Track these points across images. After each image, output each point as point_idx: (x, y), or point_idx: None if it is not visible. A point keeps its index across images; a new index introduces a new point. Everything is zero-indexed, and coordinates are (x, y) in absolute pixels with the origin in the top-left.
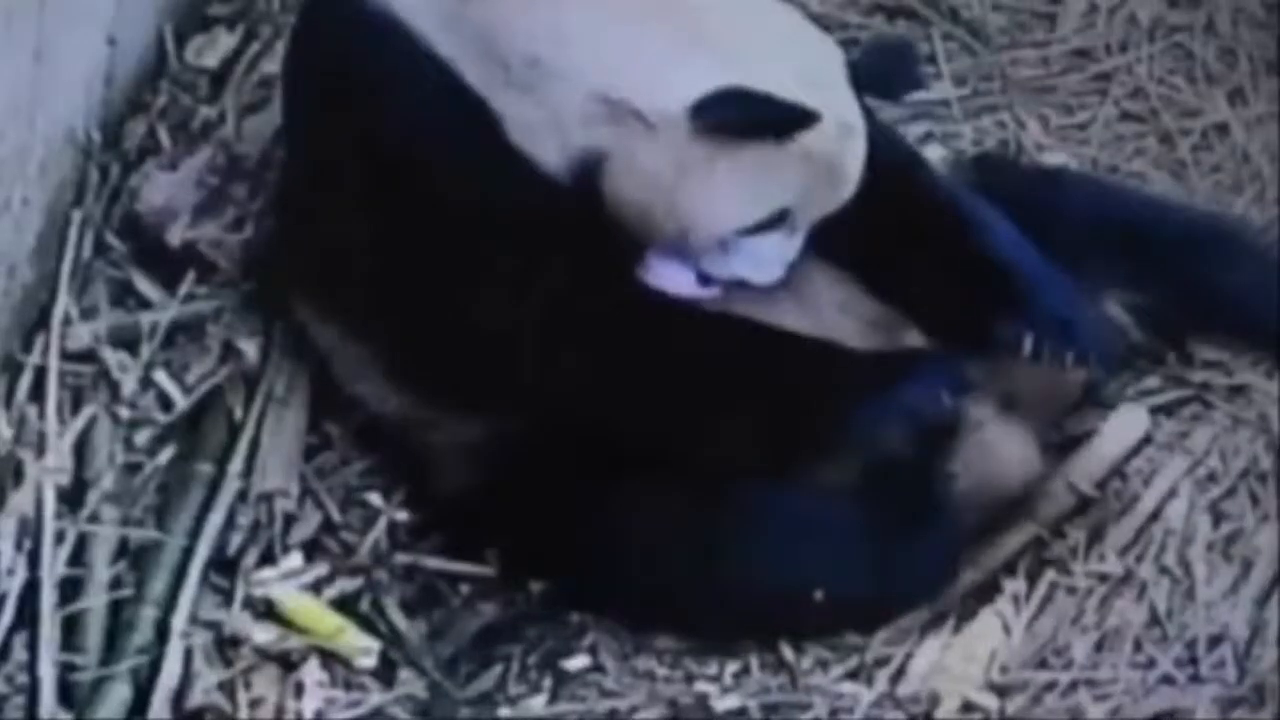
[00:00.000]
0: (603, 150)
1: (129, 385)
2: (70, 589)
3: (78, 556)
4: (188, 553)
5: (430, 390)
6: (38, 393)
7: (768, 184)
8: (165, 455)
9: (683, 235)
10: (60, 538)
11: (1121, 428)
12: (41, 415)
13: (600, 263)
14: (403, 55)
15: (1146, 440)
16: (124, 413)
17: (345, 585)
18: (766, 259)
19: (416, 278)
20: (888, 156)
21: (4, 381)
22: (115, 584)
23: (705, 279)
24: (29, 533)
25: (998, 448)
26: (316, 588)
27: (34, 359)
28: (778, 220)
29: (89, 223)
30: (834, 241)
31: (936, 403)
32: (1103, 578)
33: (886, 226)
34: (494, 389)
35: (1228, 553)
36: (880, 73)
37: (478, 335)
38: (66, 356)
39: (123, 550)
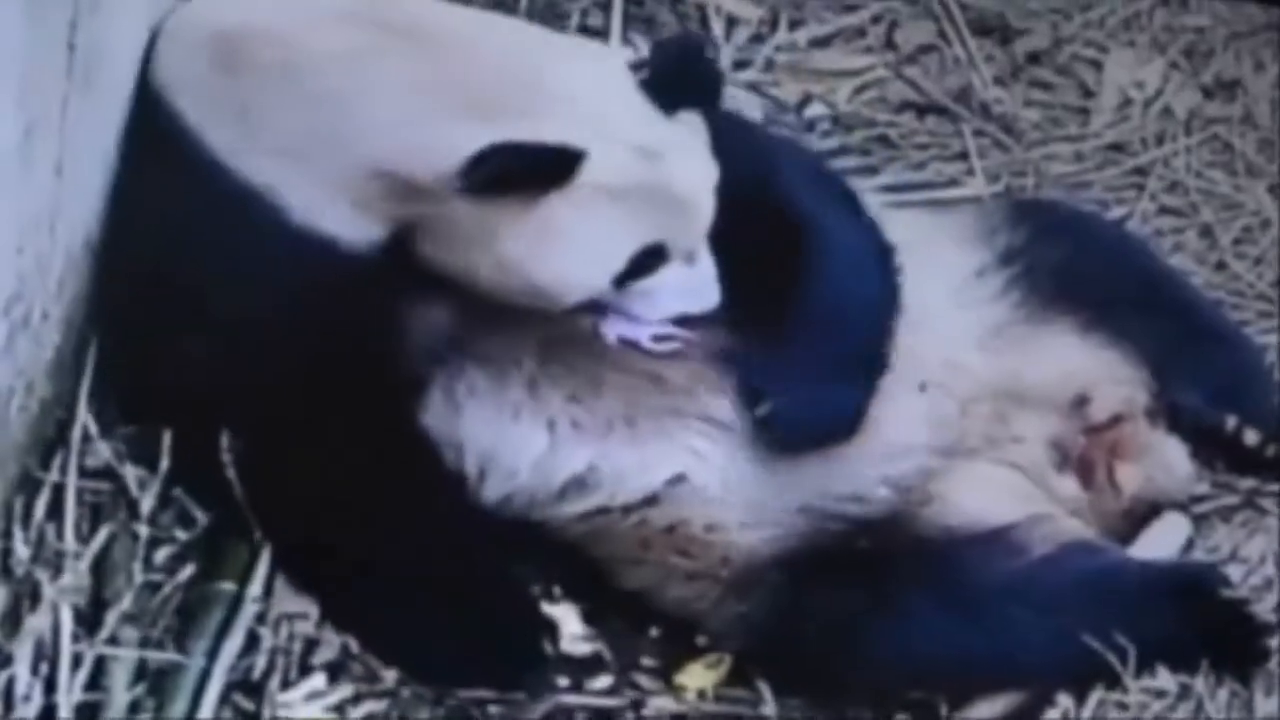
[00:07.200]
0: (409, 220)
1: (148, 502)
2: (88, 714)
3: (96, 680)
4: (206, 674)
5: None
6: (56, 511)
7: (597, 230)
8: (185, 574)
9: (539, 296)
10: (78, 661)
11: (1162, 534)
12: (59, 534)
13: None
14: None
15: (1189, 546)
16: (143, 530)
17: (372, 707)
18: (686, 289)
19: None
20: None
21: (21, 499)
22: (134, 708)
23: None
24: (45, 656)
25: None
26: (341, 709)
27: (52, 476)
28: (652, 258)
29: None
30: None
31: None
32: (1159, 694)
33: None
34: None
35: None
36: (670, 83)
37: None
38: (85, 473)
39: (141, 673)
